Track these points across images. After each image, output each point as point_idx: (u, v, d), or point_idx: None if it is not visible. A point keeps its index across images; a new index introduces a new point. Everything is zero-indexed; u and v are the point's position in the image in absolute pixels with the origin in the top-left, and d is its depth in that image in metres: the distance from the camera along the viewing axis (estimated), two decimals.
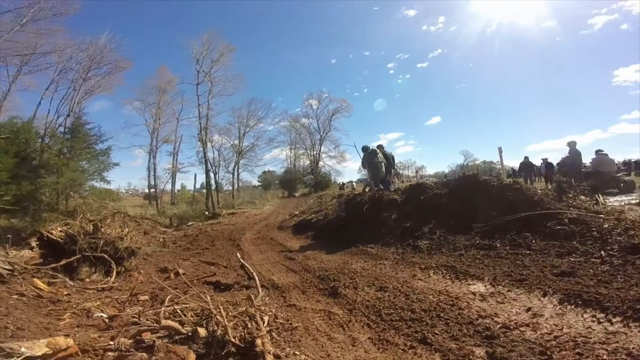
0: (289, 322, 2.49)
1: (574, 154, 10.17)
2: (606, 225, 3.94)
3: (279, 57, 52.71)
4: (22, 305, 2.61)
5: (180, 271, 5.16)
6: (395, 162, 10.64)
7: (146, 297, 3.68)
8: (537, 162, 17.12)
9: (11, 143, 10.79)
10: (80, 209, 10.49)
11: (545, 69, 47.25)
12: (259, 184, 32.08)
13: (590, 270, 3.03)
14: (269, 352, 1.61)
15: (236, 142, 27.09)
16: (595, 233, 3.83)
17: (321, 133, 31.08)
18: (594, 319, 2.20)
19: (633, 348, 1.78)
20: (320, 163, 30.52)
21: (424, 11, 47.61)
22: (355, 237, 6.28)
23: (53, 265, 4.01)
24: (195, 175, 28.04)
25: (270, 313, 2.46)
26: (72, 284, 3.77)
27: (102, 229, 5.16)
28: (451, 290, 3.12)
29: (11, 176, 10.23)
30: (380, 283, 3.55)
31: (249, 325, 1.92)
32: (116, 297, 3.47)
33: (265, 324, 2.13)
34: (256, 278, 3.83)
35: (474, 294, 2.97)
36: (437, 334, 2.23)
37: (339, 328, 2.53)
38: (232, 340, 1.71)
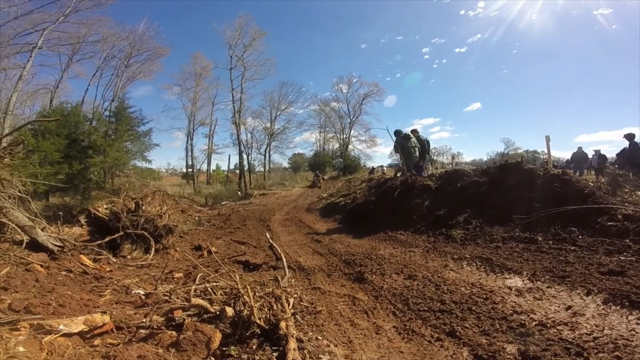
0: (313, 305, 2.51)
1: (633, 147, 9.17)
2: None
3: (309, 42, 52.10)
4: (69, 281, 2.83)
5: (213, 249, 5.41)
6: (430, 147, 10.22)
7: (180, 274, 3.89)
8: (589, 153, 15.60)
9: (62, 126, 11.73)
10: (124, 187, 11.28)
11: (598, 58, 42.22)
12: (289, 165, 32.60)
13: None
14: (292, 336, 1.62)
15: (268, 125, 27.55)
16: None
17: (351, 117, 30.62)
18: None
19: None
20: (350, 147, 30.27)
21: None
22: (384, 223, 6.17)
23: (98, 242, 4.30)
24: (230, 156, 29.01)
25: (295, 295, 2.49)
26: (115, 260, 4.04)
27: (143, 207, 5.47)
28: (485, 283, 2.97)
29: (63, 156, 11.19)
30: (409, 271, 3.46)
31: (275, 307, 1.95)
32: (153, 274, 3.68)
33: (290, 306, 2.16)
34: (284, 259, 3.90)
35: (509, 288, 2.80)
36: (467, 327, 2.14)
37: (363, 314, 2.51)
38: (257, 321, 1.74)
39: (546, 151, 9.76)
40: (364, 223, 6.73)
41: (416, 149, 8.76)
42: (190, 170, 24.32)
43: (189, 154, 24.82)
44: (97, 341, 1.64)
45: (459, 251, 4.12)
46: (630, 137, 9.36)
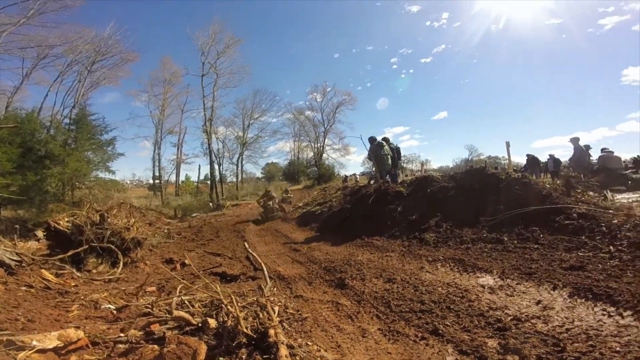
0: (299, 312, 2.49)
1: (580, 151, 10.05)
2: (615, 221, 3.88)
3: (284, 51, 52.55)
4: (30, 297, 2.61)
5: (187, 262, 5.20)
6: (401, 155, 10.59)
7: (153, 288, 3.70)
8: (543, 158, 16.96)
9: (16, 134, 10.81)
10: (86, 199, 10.54)
11: (551, 66, 46.65)
12: (263, 175, 32.22)
13: (600, 265, 2.99)
14: (282, 343, 1.60)
15: (240, 133, 27.12)
16: (604, 228, 3.78)
17: (325, 125, 31.02)
18: (605, 312, 2.18)
19: None
20: (324, 155, 30.56)
21: (427, 7, 47.35)
22: (360, 229, 6.27)
23: (60, 256, 4.00)
24: (200, 166, 28.08)
25: (279, 303, 2.46)
26: (80, 275, 3.78)
27: (109, 220, 5.17)
28: (460, 283, 3.11)
29: (16, 166, 10.27)
30: (388, 275, 3.54)
31: (261, 316, 1.91)
32: (123, 288, 3.48)
33: (276, 314, 2.13)
34: (264, 269, 3.84)
35: (483, 286, 2.95)
36: (448, 325, 2.22)
37: (348, 319, 2.53)
38: (245, 330, 1.70)
39: (507, 156, 10.43)
40: (341, 230, 6.80)
41: (389, 156, 9.02)
42: (157, 181, 23.21)
43: (157, 164, 23.75)
44: (73, 357, 1.53)
45: (433, 253, 4.28)
46: (574, 141, 10.17)
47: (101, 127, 14.04)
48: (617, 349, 1.76)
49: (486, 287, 2.92)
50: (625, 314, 2.12)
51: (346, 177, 22.92)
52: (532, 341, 1.89)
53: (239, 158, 27.01)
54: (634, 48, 42.93)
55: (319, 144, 31.01)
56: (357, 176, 24.64)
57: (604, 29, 38.28)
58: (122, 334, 1.78)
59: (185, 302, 2.50)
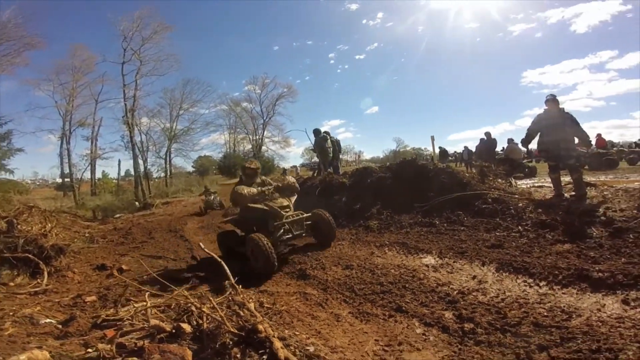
0: (275, 306, 2.54)
1: (490, 142, 11.83)
2: (520, 204, 4.75)
3: (221, 43, 49.19)
4: None
5: (123, 267, 4.71)
6: (341, 147, 11.02)
7: (93, 297, 3.32)
8: (459, 149, 19.37)
9: None
10: None
11: (466, 67, 53.01)
12: (194, 169, 30.07)
13: (513, 242, 3.68)
14: (274, 336, 1.65)
15: (168, 125, 24.74)
16: (513, 211, 4.60)
17: (265, 118, 30.18)
18: (526, 283, 2.73)
19: (564, 306, 2.29)
20: (263, 148, 29.86)
21: (364, 6, 49.16)
22: None
23: None
24: (120, 161, 24.62)
25: (251, 299, 2.47)
26: None
27: (19, 226, 4.40)
28: (408, 264, 3.51)
29: None
30: (345, 262, 3.78)
31: (242, 314, 1.92)
32: (56, 300, 3.05)
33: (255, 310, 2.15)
34: (224, 265, 3.70)
35: (427, 266, 3.39)
36: (408, 302, 2.54)
37: (319, 307, 2.69)
38: (231, 330, 1.70)
39: (430, 149, 11.73)
40: None
41: (330, 149, 9.33)
42: (67, 180, 19.84)
43: (65, 160, 20.25)
44: None
45: (379, 239, 4.68)
46: (487, 134, 12.01)
47: None
48: (545, 313, 2.24)
49: (430, 267, 3.36)
50: (541, 284, 2.68)
51: (285, 170, 22.85)
52: (479, 311, 2.30)
53: (166, 152, 24.72)
54: (533, 53, 50.96)
55: (257, 136, 30.17)
56: (298, 168, 24.76)
57: (512, 35, 44.91)
58: (89, 350, 1.62)
59: (139, 309, 2.33)
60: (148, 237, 7.73)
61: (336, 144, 10.03)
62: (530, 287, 2.66)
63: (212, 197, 11.16)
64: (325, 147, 9.14)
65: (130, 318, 1.99)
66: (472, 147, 15.13)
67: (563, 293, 2.50)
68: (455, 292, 2.64)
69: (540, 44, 47.64)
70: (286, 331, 1.96)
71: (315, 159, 10.05)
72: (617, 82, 46.00)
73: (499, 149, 12.97)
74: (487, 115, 56.18)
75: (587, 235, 3.52)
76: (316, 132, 9.45)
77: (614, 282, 2.49)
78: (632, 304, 2.27)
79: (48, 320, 2.32)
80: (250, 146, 30.15)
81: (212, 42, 48.28)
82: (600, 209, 4.10)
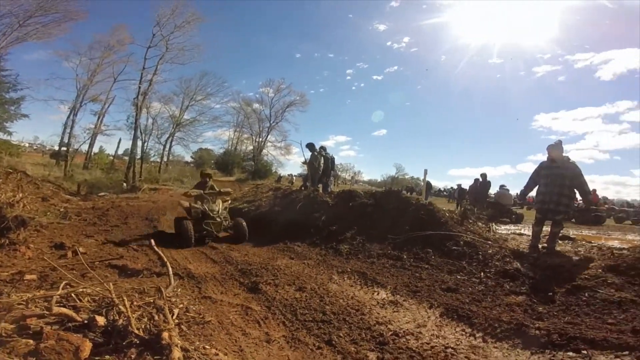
0: (201, 315, 2.47)
1: (484, 185, 11.93)
2: (490, 251, 4.70)
3: (247, 41, 50.33)
4: None
5: (80, 250, 4.62)
6: (336, 163, 11.05)
7: (33, 276, 3.25)
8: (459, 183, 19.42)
9: None
10: None
11: (481, 102, 53.15)
12: (192, 160, 30.12)
13: (470, 288, 3.63)
14: (176, 345, 1.60)
15: (177, 113, 24.95)
16: (481, 256, 4.55)
17: (271, 121, 30.42)
18: (464, 332, 2.66)
19: None
20: (264, 151, 29.96)
21: (392, 28, 50.33)
22: (284, 233, 6.41)
23: None
24: (120, 140, 24.54)
25: (181, 305, 2.41)
26: None
27: None
28: (359, 296, 3.45)
29: None
30: (300, 283, 3.72)
31: (156, 318, 1.87)
32: None
33: (175, 316, 2.09)
34: (169, 266, 3.67)
35: (376, 301, 3.33)
36: (341, 336, 2.47)
37: (255, 324, 2.63)
38: (135, 331, 1.65)
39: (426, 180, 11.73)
40: (266, 232, 6.83)
41: (322, 167, 9.32)
42: (64, 149, 19.82)
43: (67, 130, 20.31)
44: None
45: (343, 265, 4.62)
46: (483, 175, 12.08)
47: (10, 83, 11.53)
48: None
49: (379, 302, 3.29)
50: (477, 334, 2.61)
51: (280, 177, 22.81)
52: (402, 356, 2.22)
53: (168, 138, 24.76)
54: (552, 96, 49.68)
55: (260, 139, 30.35)
56: (294, 177, 24.71)
57: (535, 75, 43.99)
58: None
59: (72, 295, 2.28)
60: (122, 221, 7.64)
61: (330, 161, 10.04)
62: (466, 337, 2.59)
63: (204, 203, 6.42)
64: (314, 164, 9.15)
65: (33, 302, 1.92)
66: (466, 186, 15.14)
67: (494, 347, 2.43)
68: (389, 333, 2.57)
69: (561, 88, 45.16)
70: (197, 342, 1.89)
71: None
72: (627, 135, 42.88)
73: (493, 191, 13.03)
74: (491, 155, 55.74)
75: (544, 289, 3.47)
76: (310, 146, 9.45)
77: (547, 341, 2.43)
78: None
79: None
80: (252, 147, 30.30)
81: (239, 38, 49.04)
82: (566, 265, 4.06)
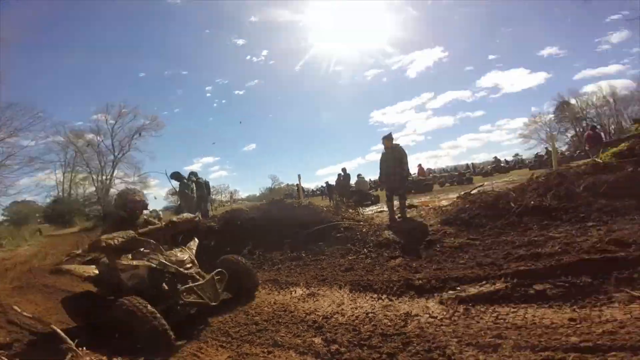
0: None
1: (345, 177, 14.07)
2: (364, 230, 5.83)
3: (69, 62, 39.55)
4: None
5: None
6: (210, 188, 10.67)
7: None
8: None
9: None
10: None
11: (331, 106, 60.60)
12: (6, 218, 21.95)
13: (361, 263, 4.53)
14: None
15: None
16: (359, 236, 5.58)
17: (116, 154, 25.36)
18: (373, 298, 3.36)
19: (402, 313, 2.91)
20: (113, 190, 24.63)
21: (251, 42, 50.61)
22: None
23: None
24: None
25: None
26: None
27: None
28: (280, 299, 3.83)
29: None
30: (218, 307, 3.71)
31: None
32: None
33: None
34: (59, 331, 2.91)
35: (297, 298, 3.80)
36: (283, 336, 2.81)
37: (194, 357, 2.61)
38: None
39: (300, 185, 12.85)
40: None
41: (195, 195, 8.91)
42: None
43: None
44: None
45: None
46: (344, 170, 14.21)
47: None
48: (388, 323, 2.75)
49: (299, 298, 3.77)
50: (383, 297, 3.34)
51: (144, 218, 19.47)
52: (340, 331, 2.73)
53: None
54: (379, 95, 62.48)
55: (104, 176, 24.89)
56: (160, 213, 21.53)
57: (366, 78, 54.05)
58: None
59: None
60: None
61: (204, 185, 9.70)
62: (376, 301, 3.30)
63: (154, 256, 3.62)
64: (187, 193, 8.70)
65: None
66: (332, 182, 17.41)
67: (399, 302, 3.18)
68: (320, 318, 3.07)
69: (385, 87, 58.55)
70: None
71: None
72: (432, 119, 58.66)
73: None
74: (345, 152, 66.05)
75: (411, 249, 4.54)
76: (176, 176, 8.81)
77: (430, 287, 3.27)
78: (446, 303, 2.88)
79: None
80: (94, 188, 24.71)
81: (58, 60, 38.87)
82: (418, 227, 5.33)
